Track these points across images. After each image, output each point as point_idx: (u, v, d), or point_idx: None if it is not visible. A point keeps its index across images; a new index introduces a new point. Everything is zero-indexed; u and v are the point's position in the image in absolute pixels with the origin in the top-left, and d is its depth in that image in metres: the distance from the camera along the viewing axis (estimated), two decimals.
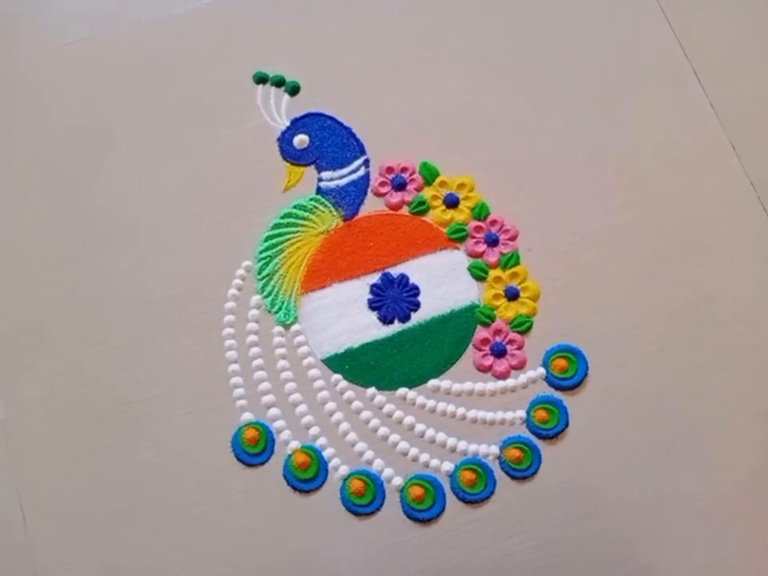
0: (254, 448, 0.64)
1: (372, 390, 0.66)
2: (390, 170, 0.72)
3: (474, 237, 0.71)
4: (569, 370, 0.66)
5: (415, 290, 0.69)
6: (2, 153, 0.74)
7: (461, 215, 0.71)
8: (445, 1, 0.78)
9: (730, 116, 0.75)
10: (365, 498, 0.63)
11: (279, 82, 0.75)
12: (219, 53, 0.77)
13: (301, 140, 0.73)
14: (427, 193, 0.72)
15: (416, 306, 0.69)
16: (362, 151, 0.73)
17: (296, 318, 0.68)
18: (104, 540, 0.63)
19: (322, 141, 0.74)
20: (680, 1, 0.78)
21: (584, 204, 0.72)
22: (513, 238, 0.70)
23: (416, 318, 0.68)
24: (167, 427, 0.65)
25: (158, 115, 0.75)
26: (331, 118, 0.74)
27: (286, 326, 0.68)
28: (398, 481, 0.64)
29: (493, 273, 0.69)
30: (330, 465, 0.64)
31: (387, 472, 0.64)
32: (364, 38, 0.78)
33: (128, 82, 0.76)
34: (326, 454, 0.65)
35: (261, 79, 0.76)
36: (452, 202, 0.71)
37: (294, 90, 0.75)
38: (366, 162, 0.73)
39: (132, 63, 0.77)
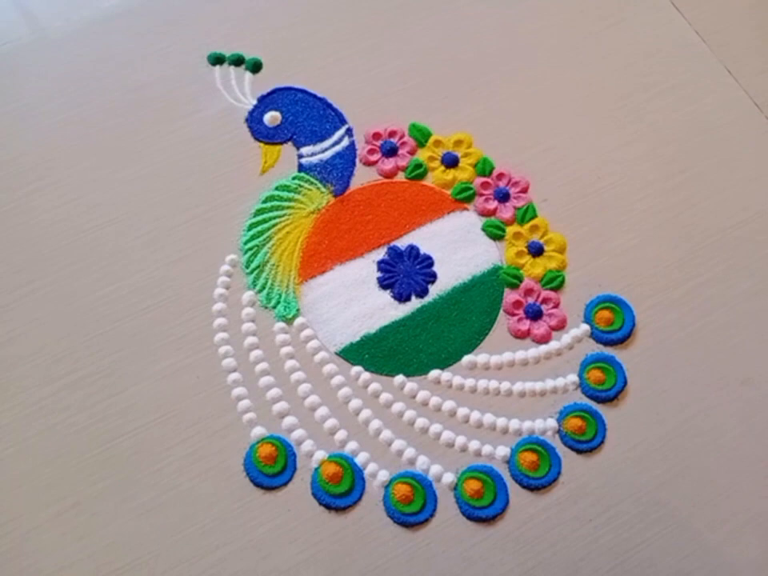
0: (272, 467, 0.54)
1: (400, 378, 0.57)
2: (377, 135, 0.65)
3: (482, 194, 0.63)
4: (615, 322, 0.59)
5: (429, 261, 0.61)
6: None
7: (463, 174, 0.64)
8: None
9: (715, 36, 0.72)
10: (414, 504, 0.53)
11: (238, 61, 0.68)
12: (162, 42, 0.69)
13: (272, 117, 0.65)
14: (422, 155, 0.64)
15: (432, 277, 0.60)
16: (342, 120, 0.65)
17: (298, 310, 0.59)
18: None
19: (296, 115, 0.65)
20: None
21: (588, 143, 0.66)
22: (524, 190, 0.63)
23: (435, 290, 0.60)
24: (165, 461, 0.54)
25: (102, 119, 0.66)
26: (302, 90, 0.67)
27: (288, 321, 0.58)
28: (449, 478, 0.54)
29: (510, 229, 0.62)
30: (366, 472, 0.54)
31: (435, 469, 0.54)
32: (316, 10, 0.71)
33: (68, 89, 0.67)
34: (359, 460, 0.54)
35: (217, 60, 0.68)
36: (451, 161, 0.64)
37: (255, 67, 0.67)
38: (349, 131, 0.65)
39: (69, 69, 0.68)
